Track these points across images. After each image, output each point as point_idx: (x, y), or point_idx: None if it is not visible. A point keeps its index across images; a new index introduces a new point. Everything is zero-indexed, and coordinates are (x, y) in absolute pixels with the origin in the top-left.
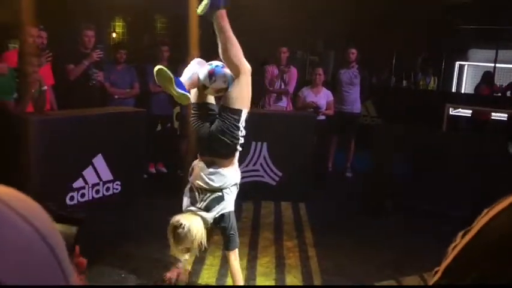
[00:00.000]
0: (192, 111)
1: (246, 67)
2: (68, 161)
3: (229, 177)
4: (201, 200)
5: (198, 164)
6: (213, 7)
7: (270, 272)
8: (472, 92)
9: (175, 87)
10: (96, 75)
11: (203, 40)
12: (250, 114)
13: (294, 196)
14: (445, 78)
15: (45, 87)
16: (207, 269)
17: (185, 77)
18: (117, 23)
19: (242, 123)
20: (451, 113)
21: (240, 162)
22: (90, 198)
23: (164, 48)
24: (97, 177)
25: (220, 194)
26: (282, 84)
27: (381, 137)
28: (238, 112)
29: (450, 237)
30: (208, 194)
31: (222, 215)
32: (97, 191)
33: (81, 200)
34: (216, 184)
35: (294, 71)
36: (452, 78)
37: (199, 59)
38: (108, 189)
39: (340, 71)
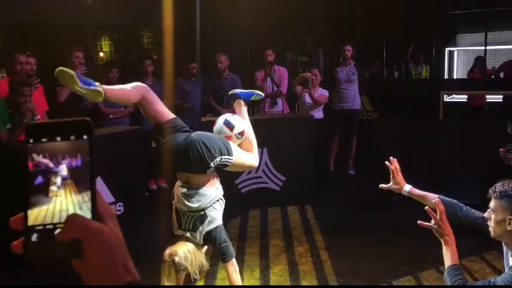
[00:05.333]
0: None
1: (254, 159)
2: None
3: (208, 195)
4: (186, 222)
5: (177, 184)
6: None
7: (284, 280)
8: (465, 77)
9: (81, 85)
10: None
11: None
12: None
13: (299, 199)
14: (436, 66)
15: (38, 117)
16: (220, 283)
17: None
18: (103, 42)
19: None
20: (446, 99)
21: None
22: None
23: (147, 63)
24: None
25: (202, 213)
26: (274, 86)
27: (379, 130)
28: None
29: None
30: (191, 215)
31: (209, 232)
32: None
33: None
34: (195, 205)
35: (283, 71)
36: (444, 65)
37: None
38: None
39: (337, 69)
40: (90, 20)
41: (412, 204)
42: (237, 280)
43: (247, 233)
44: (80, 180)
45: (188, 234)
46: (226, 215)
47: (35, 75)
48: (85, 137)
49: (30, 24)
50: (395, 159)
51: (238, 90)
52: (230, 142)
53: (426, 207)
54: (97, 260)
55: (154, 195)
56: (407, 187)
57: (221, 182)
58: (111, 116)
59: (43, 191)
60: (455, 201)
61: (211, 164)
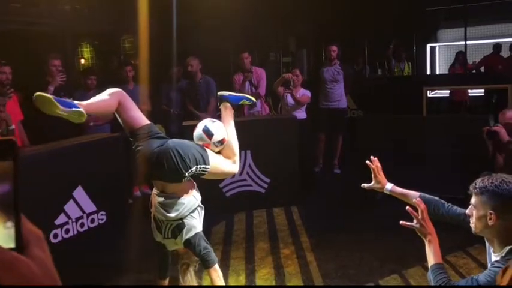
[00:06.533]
0: (136, 133)
1: (232, 167)
2: (47, 197)
3: (186, 204)
4: (165, 230)
5: (154, 193)
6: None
7: (270, 284)
8: (447, 72)
9: (61, 107)
10: None
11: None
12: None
13: (285, 201)
14: (418, 62)
15: (13, 126)
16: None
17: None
18: (84, 49)
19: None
20: (429, 95)
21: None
22: (75, 232)
23: (128, 68)
24: (80, 210)
25: (180, 222)
26: (253, 88)
27: (362, 128)
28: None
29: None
30: (169, 224)
31: (188, 240)
32: (81, 225)
33: (65, 236)
34: (172, 215)
35: (260, 72)
36: (426, 61)
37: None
38: (92, 220)
39: (323, 69)
40: (70, 27)
41: (397, 202)
42: (221, 284)
43: (232, 237)
44: (5, 207)
45: (169, 240)
46: (212, 219)
47: (10, 84)
48: (9, 158)
49: (8, 33)
50: (376, 158)
51: (226, 93)
52: (207, 150)
53: (407, 207)
54: None
55: (138, 202)
56: (389, 186)
57: (205, 186)
58: (91, 123)
59: None
60: (437, 198)
61: (186, 174)
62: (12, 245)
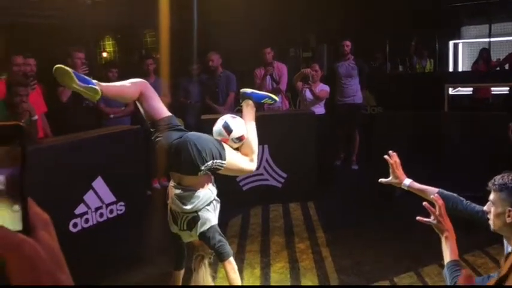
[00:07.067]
0: (156, 124)
1: (250, 165)
2: (67, 187)
3: (202, 197)
4: (180, 222)
5: (171, 185)
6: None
7: (284, 278)
8: (470, 69)
9: (78, 82)
10: None
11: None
12: None
13: (301, 196)
14: (440, 59)
15: (36, 117)
16: (220, 282)
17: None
18: (106, 42)
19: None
20: (451, 93)
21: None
22: (95, 222)
23: (149, 62)
24: (99, 200)
25: (195, 214)
26: (273, 83)
27: (382, 124)
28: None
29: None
30: (185, 216)
31: (203, 233)
32: (101, 215)
33: (85, 225)
34: (188, 207)
35: (281, 67)
36: (448, 58)
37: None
38: (112, 211)
39: (337, 64)
40: (93, 21)
41: (415, 199)
42: (235, 278)
43: (248, 230)
44: (12, 191)
45: (184, 232)
46: (228, 213)
47: (34, 76)
48: (16, 141)
49: (33, 26)
50: (394, 153)
51: (249, 90)
52: (225, 146)
53: (424, 203)
54: (19, 273)
55: (157, 194)
56: (407, 181)
57: (222, 179)
58: (112, 116)
59: None
60: (455, 194)
61: (202, 167)
62: (19, 227)
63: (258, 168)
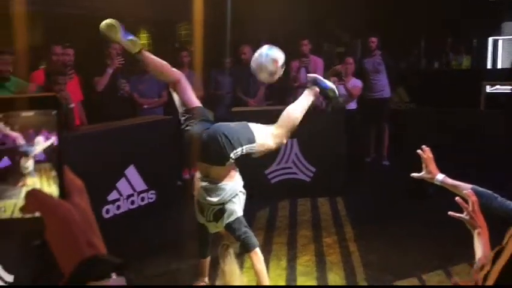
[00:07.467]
0: (187, 114)
1: (280, 141)
2: (101, 174)
3: (227, 190)
4: (207, 213)
5: (197, 177)
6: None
7: (310, 271)
8: (510, 67)
9: (122, 33)
10: (124, 86)
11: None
12: (277, 111)
13: (330, 191)
14: (478, 56)
15: (73, 105)
16: (247, 271)
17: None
18: (142, 35)
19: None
20: (488, 91)
21: (272, 160)
22: (126, 209)
23: (184, 54)
24: (131, 188)
25: (221, 207)
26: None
27: (413, 120)
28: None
29: (496, 219)
30: (211, 208)
31: (229, 224)
32: (132, 202)
33: (117, 212)
34: (214, 199)
35: (317, 61)
36: (487, 55)
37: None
38: (143, 199)
39: (364, 60)
40: (128, 13)
41: (446, 197)
42: (261, 269)
43: (275, 223)
44: (51, 159)
45: (211, 223)
46: (256, 205)
47: (72, 66)
48: (53, 112)
49: (69, 16)
50: (427, 148)
51: (320, 78)
52: (253, 128)
53: (457, 198)
54: (56, 234)
55: (187, 185)
56: (440, 176)
57: (250, 172)
58: (145, 106)
59: (10, 179)
60: (489, 191)
61: (232, 155)
62: (56, 193)
63: (286, 162)
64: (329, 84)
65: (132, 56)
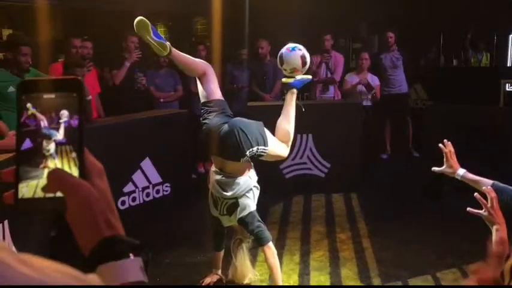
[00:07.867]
0: (206, 106)
1: (285, 151)
2: (118, 166)
3: (242, 184)
4: (220, 207)
5: (212, 170)
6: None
7: (324, 266)
8: None
9: (152, 35)
10: (141, 79)
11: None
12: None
13: (344, 187)
14: (498, 53)
15: (90, 97)
16: (260, 265)
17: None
18: (158, 29)
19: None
20: (508, 89)
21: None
22: (141, 201)
23: (200, 48)
24: (146, 180)
25: (234, 201)
26: (328, 72)
27: (430, 118)
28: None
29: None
30: (225, 202)
31: (242, 219)
32: (147, 194)
33: (132, 204)
34: (228, 193)
35: (338, 57)
36: (507, 52)
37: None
38: (158, 191)
39: (381, 56)
40: (145, 8)
41: (463, 195)
42: (274, 263)
43: (289, 218)
44: (73, 140)
45: (224, 217)
46: (270, 200)
47: (90, 58)
48: (75, 94)
49: (90, 10)
50: (449, 142)
51: (290, 80)
52: (267, 132)
53: (475, 194)
54: (77, 214)
55: (201, 178)
56: (461, 171)
57: (265, 167)
58: (161, 100)
59: (32, 160)
60: (511, 188)
61: (247, 153)
62: (76, 173)
63: (301, 157)
64: (299, 80)
65: (156, 55)
